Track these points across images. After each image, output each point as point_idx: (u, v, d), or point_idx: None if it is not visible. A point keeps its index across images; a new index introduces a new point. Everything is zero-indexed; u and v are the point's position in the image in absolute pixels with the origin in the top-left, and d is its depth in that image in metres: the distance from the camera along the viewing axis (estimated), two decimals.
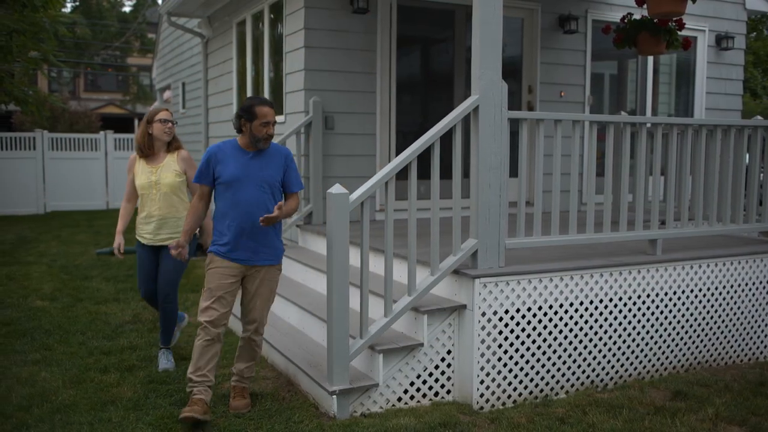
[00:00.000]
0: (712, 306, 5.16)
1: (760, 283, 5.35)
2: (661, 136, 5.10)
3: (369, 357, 4.24)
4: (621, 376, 4.81)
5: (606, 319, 4.71)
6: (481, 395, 4.30)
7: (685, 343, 5.05)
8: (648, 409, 4.24)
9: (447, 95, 7.50)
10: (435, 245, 4.23)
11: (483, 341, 4.27)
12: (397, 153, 6.98)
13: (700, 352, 5.13)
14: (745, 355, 5.36)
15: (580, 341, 4.62)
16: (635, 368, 4.85)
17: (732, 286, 5.23)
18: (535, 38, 7.73)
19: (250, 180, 4.01)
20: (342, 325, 3.96)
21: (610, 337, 4.74)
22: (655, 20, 6.33)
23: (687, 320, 5.04)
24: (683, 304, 5.02)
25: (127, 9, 34.14)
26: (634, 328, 4.82)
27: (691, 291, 5.05)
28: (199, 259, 9.28)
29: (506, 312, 4.35)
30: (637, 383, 4.73)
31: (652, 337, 4.90)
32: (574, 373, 4.62)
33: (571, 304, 4.58)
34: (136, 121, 28.24)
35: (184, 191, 4.87)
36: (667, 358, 4.98)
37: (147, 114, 4.87)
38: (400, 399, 4.24)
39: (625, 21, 6.63)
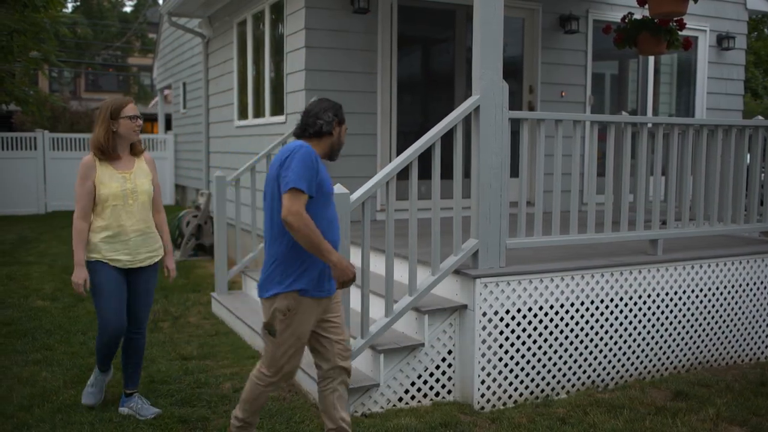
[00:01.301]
0: (713, 306, 5.15)
1: (761, 283, 5.35)
2: (662, 136, 5.10)
3: (370, 357, 4.24)
4: (622, 376, 4.81)
5: (607, 319, 4.71)
6: (482, 395, 4.30)
7: (686, 343, 5.05)
8: (649, 409, 4.24)
9: (448, 95, 7.49)
10: (436, 245, 4.23)
11: (484, 341, 4.27)
12: (398, 153, 6.98)
13: (701, 352, 5.13)
14: (746, 355, 5.36)
15: (581, 341, 4.62)
16: (636, 368, 4.85)
17: (733, 286, 5.23)
18: (536, 38, 7.73)
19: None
20: None
21: (611, 337, 4.73)
22: (655, 20, 6.32)
23: (688, 320, 5.04)
24: (684, 304, 5.02)
25: (127, 9, 34.18)
26: (635, 328, 4.82)
27: (692, 291, 5.05)
28: (201, 259, 9.29)
29: (507, 312, 4.35)
30: (637, 383, 4.73)
31: (653, 337, 4.90)
32: (575, 373, 4.62)
33: (572, 304, 4.58)
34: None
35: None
36: (668, 358, 4.97)
37: (108, 107, 3.86)
38: (400, 399, 4.24)
39: (626, 21, 6.62)
